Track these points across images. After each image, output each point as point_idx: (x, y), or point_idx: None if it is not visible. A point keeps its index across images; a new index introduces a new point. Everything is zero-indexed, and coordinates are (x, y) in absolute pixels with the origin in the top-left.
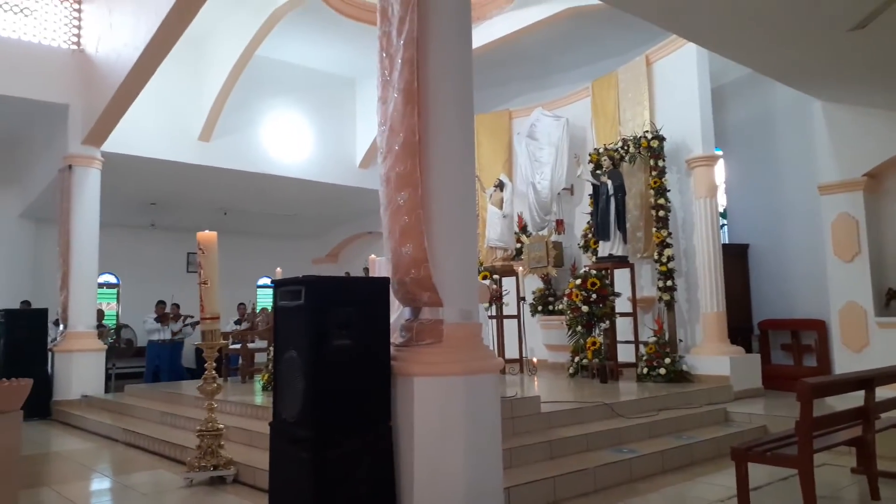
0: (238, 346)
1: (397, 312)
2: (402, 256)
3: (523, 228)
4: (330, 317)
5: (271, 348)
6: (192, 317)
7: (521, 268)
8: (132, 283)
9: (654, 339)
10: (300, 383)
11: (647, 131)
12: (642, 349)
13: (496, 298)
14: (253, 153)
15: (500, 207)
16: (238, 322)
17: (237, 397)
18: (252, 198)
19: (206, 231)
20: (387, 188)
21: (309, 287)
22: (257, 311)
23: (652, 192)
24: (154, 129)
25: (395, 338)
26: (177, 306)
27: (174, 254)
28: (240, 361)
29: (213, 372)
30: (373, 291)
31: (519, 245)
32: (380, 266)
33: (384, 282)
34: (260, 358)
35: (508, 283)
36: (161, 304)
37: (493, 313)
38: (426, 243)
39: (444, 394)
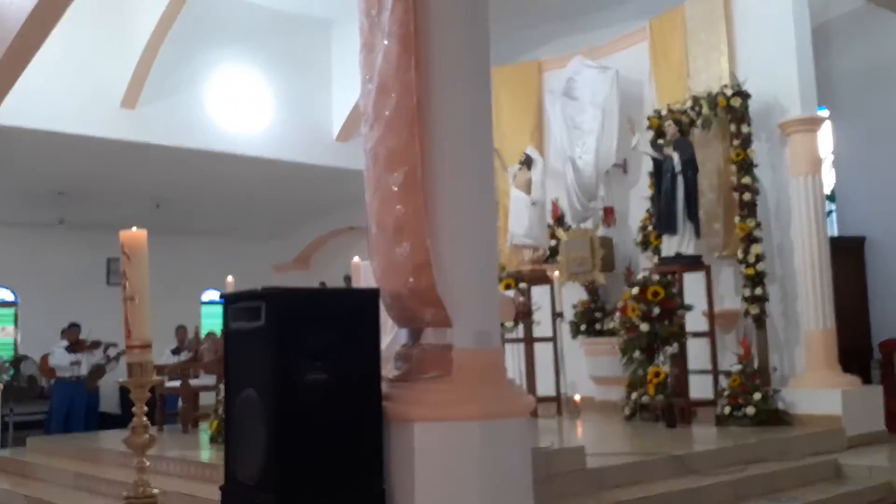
0: (177, 383)
1: (390, 336)
2: (397, 260)
3: (559, 220)
4: (300, 343)
5: (222, 386)
6: (115, 345)
7: (556, 273)
8: (35, 300)
9: (739, 367)
10: (261, 433)
11: (725, 86)
12: (723, 381)
13: (524, 315)
14: (194, 123)
15: (528, 191)
16: (176, 351)
17: (177, 452)
18: (193, 184)
19: (133, 229)
20: (375, 168)
21: (271, 303)
22: (202, 335)
23: (733, 167)
24: (61, 94)
25: (389, 370)
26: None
27: (91, 261)
28: (180, 404)
29: (145, 419)
30: (357, 308)
31: (554, 242)
32: (366, 273)
33: (373, 294)
34: (207, 399)
35: (540, 295)
36: (74, 327)
37: (520, 335)
38: (429, 241)
39: (455, 445)
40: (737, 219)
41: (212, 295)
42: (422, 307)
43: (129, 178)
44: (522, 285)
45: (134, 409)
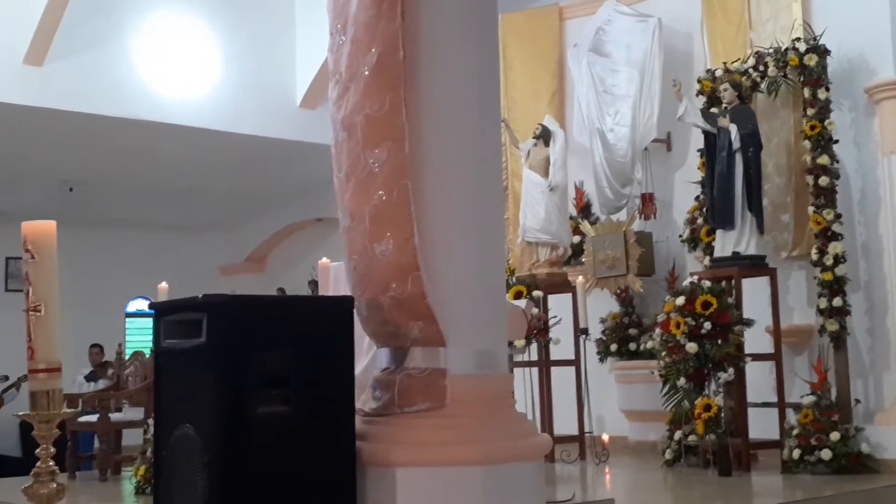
0: (94, 417)
1: (367, 357)
2: (376, 260)
3: (585, 209)
4: (253, 366)
5: (151, 421)
6: (24, 378)
7: (580, 278)
8: None
9: (813, 399)
10: (201, 482)
11: (797, 39)
12: (792, 417)
13: (538, 331)
14: (117, 85)
15: (545, 173)
16: (92, 377)
17: None
18: (117, 162)
19: (39, 221)
20: (349, 142)
21: (215, 315)
22: (126, 356)
23: (807, 144)
24: None
25: (365, 401)
26: None
27: None
28: (96, 444)
29: (51, 463)
30: (326, 321)
31: (578, 239)
32: (337, 277)
33: (345, 305)
34: (131, 438)
35: (560, 305)
36: None
37: (534, 357)
38: (417, 237)
39: (449, 497)
40: (811, 209)
41: (140, 305)
42: (407, 321)
43: (33, 154)
44: (537, 293)
45: (38, 450)
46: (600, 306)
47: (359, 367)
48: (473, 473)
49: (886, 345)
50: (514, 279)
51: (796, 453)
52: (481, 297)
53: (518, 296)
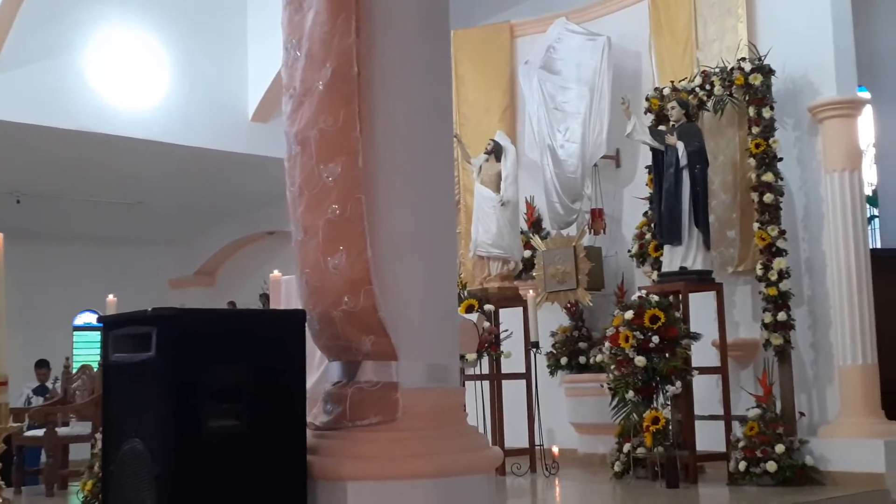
0: (40, 432)
1: (318, 371)
2: (328, 274)
3: (536, 224)
4: (202, 380)
5: (98, 435)
6: None
7: (531, 292)
8: None
9: (758, 412)
10: (149, 497)
11: (743, 59)
12: (738, 430)
13: (490, 345)
14: (66, 97)
15: (496, 188)
16: (40, 391)
17: None
18: (65, 174)
19: None
20: (303, 156)
21: (165, 328)
22: (73, 370)
23: (752, 161)
24: None
25: (316, 414)
26: None
27: None
28: (43, 459)
29: None
30: (277, 335)
31: (529, 253)
32: (288, 290)
33: (297, 318)
34: (78, 452)
35: (511, 319)
36: None
37: (485, 370)
38: (369, 251)
39: None
40: (756, 225)
41: (88, 318)
42: (359, 334)
43: None
44: (488, 307)
45: None
46: (551, 320)
47: (310, 381)
48: (425, 486)
49: (829, 359)
50: (465, 293)
51: (742, 465)
52: (433, 310)
53: (470, 309)
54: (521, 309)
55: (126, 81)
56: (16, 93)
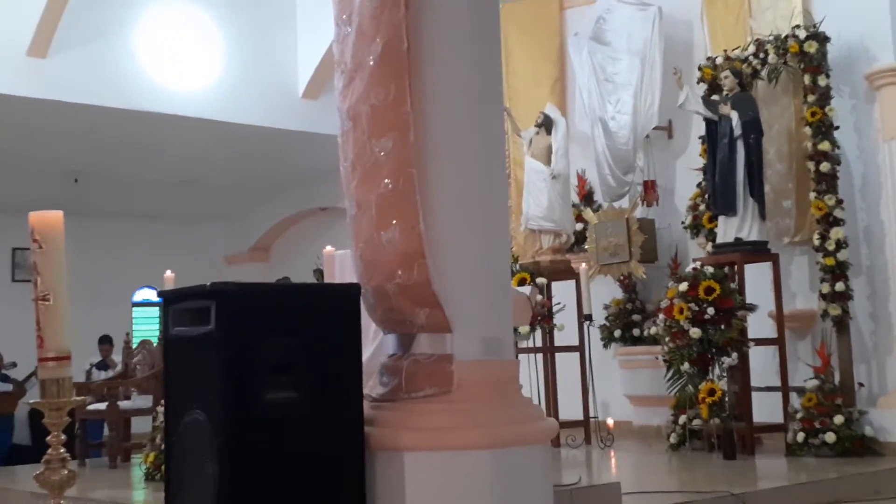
0: (103, 405)
1: (374, 344)
2: (382, 248)
3: (587, 197)
4: (261, 353)
5: (159, 409)
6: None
7: (583, 265)
8: None
9: (816, 383)
10: (211, 467)
11: (797, 27)
12: (796, 401)
13: (542, 318)
14: (120, 77)
15: (547, 161)
16: (102, 366)
17: (103, 492)
18: (121, 153)
19: (46, 211)
20: (354, 131)
21: (224, 303)
22: (133, 345)
23: (808, 130)
24: None
25: (372, 386)
26: None
27: None
28: (106, 432)
29: (62, 450)
30: (333, 309)
31: (580, 226)
32: (342, 265)
33: (352, 292)
34: (140, 425)
35: (563, 292)
36: None
37: (538, 343)
38: (422, 225)
39: (457, 481)
40: (812, 195)
41: (146, 294)
42: (414, 307)
43: (39, 146)
44: (540, 280)
45: (49, 437)
46: (604, 293)
47: (366, 354)
48: (481, 457)
49: (889, 329)
50: (517, 267)
51: (800, 437)
52: (487, 283)
53: (522, 283)
54: (573, 282)
55: (178, 61)
56: (71, 73)
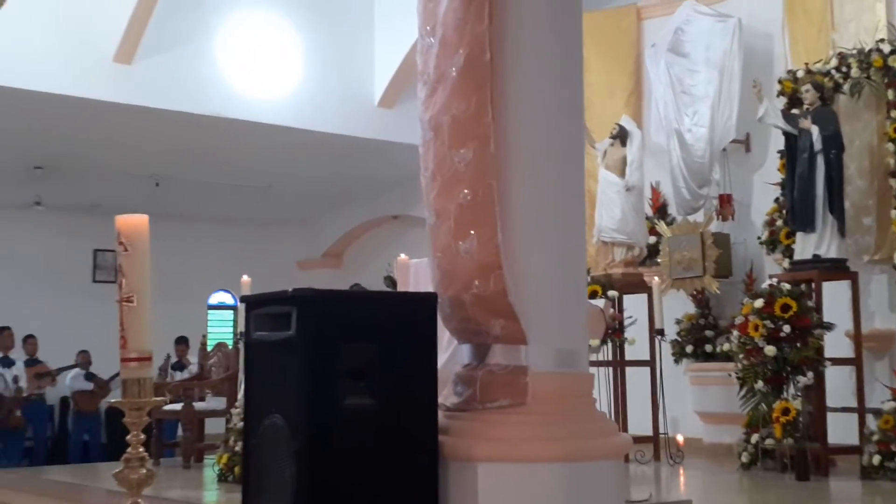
0: (178, 406)
1: (448, 352)
2: (460, 258)
3: (661, 210)
4: (339, 359)
5: (233, 411)
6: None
7: (656, 279)
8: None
9: (894, 404)
10: (288, 470)
11: (881, 40)
12: (872, 423)
13: (614, 332)
14: (202, 83)
15: (621, 173)
16: (177, 367)
17: (177, 492)
18: (201, 158)
19: (132, 214)
20: (435, 141)
21: (305, 308)
22: (209, 347)
23: (891, 146)
24: (36, 44)
25: (446, 395)
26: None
27: (73, 251)
28: (180, 432)
29: (141, 449)
30: (410, 317)
31: (654, 239)
32: (416, 274)
33: (429, 301)
34: (214, 427)
35: (635, 305)
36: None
37: (608, 357)
38: (500, 236)
39: (530, 493)
40: (894, 213)
41: (221, 297)
42: (489, 318)
43: (122, 150)
44: (612, 293)
45: (129, 437)
46: (676, 307)
47: (439, 362)
48: (555, 470)
49: None
50: (589, 279)
51: (876, 459)
52: (563, 295)
53: (593, 295)
54: (645, 295)
55: (257, 68)
56: (155, 80)
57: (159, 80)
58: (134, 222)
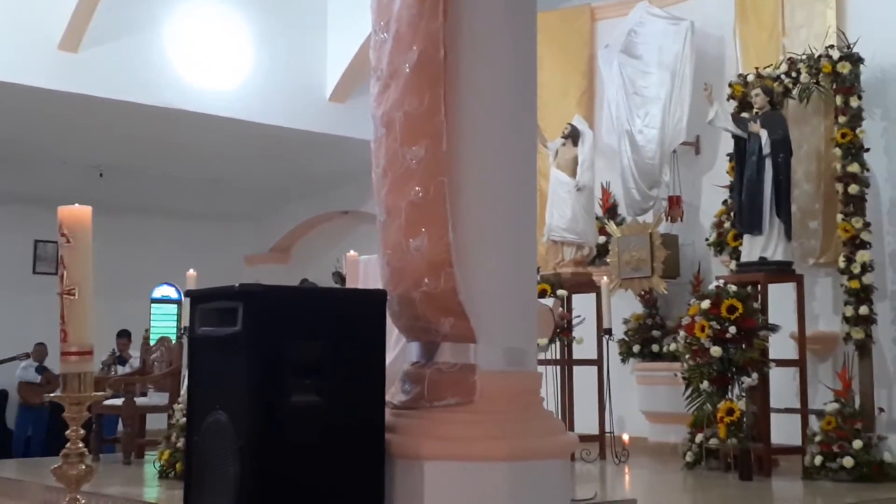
0: (119, 401)
1: (395, 350)
2: (410, 255)
3: (611, 210)
4: (286, 356)
5: (176, 406)
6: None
7: (605, 278)
8: None
9: (836, 406)
10: (232, 468)
11: (831, 47)
12: (814, 424)
13: (562, 331)
14: (150, 73)
15: (572, 173)
16: (119, 361)
17: (117, 488)
18: (147, 150)
19: (75, 206)
20: (388, 139)
21: (252, 304)
22: (151, 341)
23: (838, 151)
24: None
25: (394, 393)
26: None
27: (13, 243)
28: (120, 428)
29: (80, 444)
30: (359, 314)
31: (603, 239)
32: (366, 270)
33: (378, 298)
34: (155, 422)
35: (583, 305)
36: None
37: (557, 355)
38: (451, 234)
39: (476, 491)
40: (839, 217)
41: (165, 291)
42: (439, 316)
43: (66, 139)
44: (561, 292)
45: (68, 432)
46: (624, 307)
47: (388, 360)
48: (500, 469)
49: None
50: (538, 277)
51: (818, 460)
52: (512, 294)
53: (542, 294)
54: (594, 295)
55: (207, 59)
56: (101, 69)
57: (106, 68)
58: (77, 213)
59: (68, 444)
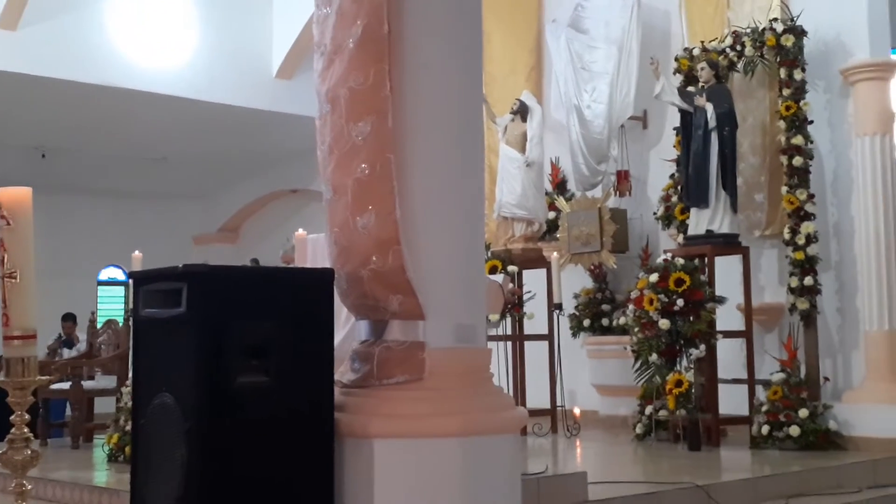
0: (66, 385)
1: (345, 329)
2: (357, 233)
3: (560, 186)
4: (232, 336)
5: (123, 389)
6: None
7: (555, 254)
8: None
9: (782, 376)
10: (179, 450)
11: (774, 20)
12: (761, 394)
13: (513, 306)
14: (91, 51)
15: (522, 149)
16: (66, 344)
17: (65, 473)
18: (91, 129)
19: (14, 187)
20: (333, 115)
21: (196, 285)
22: (98, 324)
23: (782, 124)
24: None
25: (343, 372)
26: None
27: None
28: (68, 412)
29: (26, 429)
30: (306, 293)
31: (553, 214)
32: (314, 249)
33: (326, 277)
34: (104, 406)
35: (534, 280)
36: None
37: (508, 330)
38: (398, 211)
39: (427, 468)
40: (784, 189)
41: (112, 273)
42: (387, 294)
43: (5, 120)
44: (512, 268)
45: (13, 417)
46: (574, 282)
47: (336, 339)
48: (451, 445)
49: (855, 324)
50: (489, 254)
51: (765, 429)
52: (461, 271)
53: (493, 270)
54: (544, 270)
55: (150, 36)
56: (41, 47)
57: (46, 47)
58: (16, 195)
59: (13, 430)
